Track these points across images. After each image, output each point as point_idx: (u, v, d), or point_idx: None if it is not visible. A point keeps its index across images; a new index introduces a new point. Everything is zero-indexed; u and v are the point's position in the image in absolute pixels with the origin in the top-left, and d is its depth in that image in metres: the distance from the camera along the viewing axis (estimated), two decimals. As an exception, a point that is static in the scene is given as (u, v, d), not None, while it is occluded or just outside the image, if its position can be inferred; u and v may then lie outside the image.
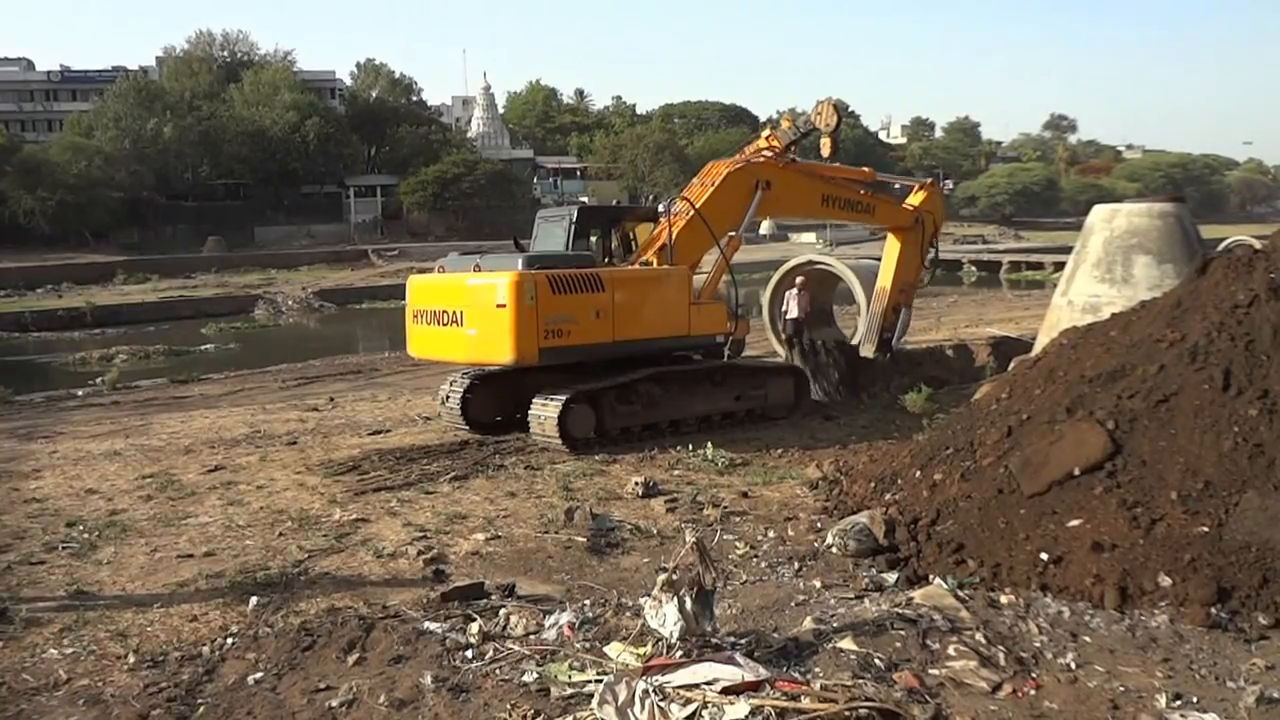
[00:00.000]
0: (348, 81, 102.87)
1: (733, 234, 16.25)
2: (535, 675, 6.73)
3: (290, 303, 51.32)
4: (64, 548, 10.28)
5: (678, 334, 15.26)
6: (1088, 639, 7.11)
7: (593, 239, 16.30)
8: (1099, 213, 16.22)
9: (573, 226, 15.91)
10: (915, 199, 19.56)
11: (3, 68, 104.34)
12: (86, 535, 10.68)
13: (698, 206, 15.77)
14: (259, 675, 7.09)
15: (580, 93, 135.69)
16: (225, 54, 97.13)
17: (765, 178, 16.58)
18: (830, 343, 19.51)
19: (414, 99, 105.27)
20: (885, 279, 19.13)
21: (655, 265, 15.45)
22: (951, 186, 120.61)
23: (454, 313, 14.45)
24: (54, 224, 69.37)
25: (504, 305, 13.63)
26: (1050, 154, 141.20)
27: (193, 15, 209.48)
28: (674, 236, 15.41)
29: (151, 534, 10.74)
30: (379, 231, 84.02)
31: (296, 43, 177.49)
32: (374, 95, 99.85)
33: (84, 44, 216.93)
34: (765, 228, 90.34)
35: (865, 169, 19.29)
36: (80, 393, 23.25)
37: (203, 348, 36.72)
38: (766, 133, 19.10)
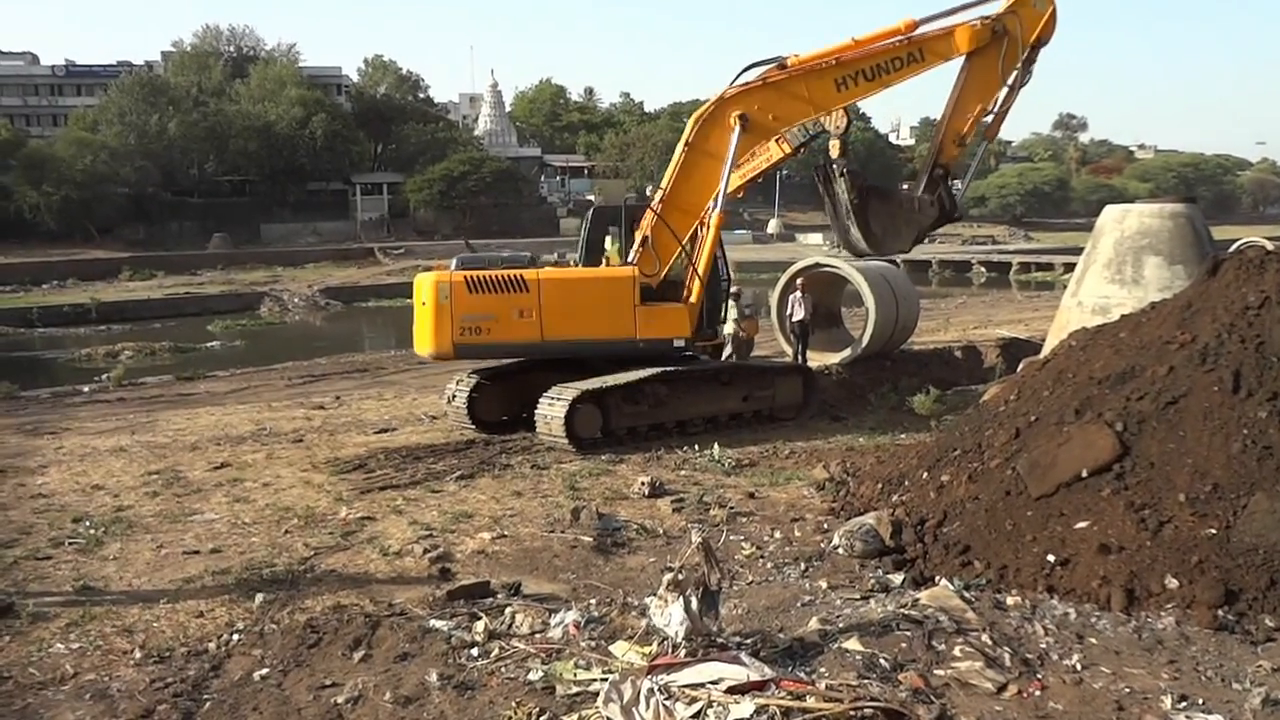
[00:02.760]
0: (354, 78, 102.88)
1: (715, 208, 15.14)
2: (540, 674, 6.73)
3: (296, 300, 51.30)
4: (70, 543, 10.30)
5: (623, 336, 14.99)
6: (1094, 641, 7.10)
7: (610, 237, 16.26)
8: (1110, 213, 16.18)
9: (588, 225, 16.28)
10: (999, 6, 15.23)
11: (7, 62, 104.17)
12: (93, 531, 10.69)
13: (667, 191, 15.26)
14: (265, 671, 7.10)
15: (589, 91, 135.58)
16: (231, 49, 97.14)
17: (737, 112, 14.91)
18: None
19: (421, 96, 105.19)
20: (949, 107, 15.48)
21: (638, 260, 15.29)
22: (961, 188, 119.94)
23: (414, 308, 15.58)
24: (59, 219, 69.34)
25: (425, 303, 14.90)
26: (1062, 154, 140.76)
27: (199, 10, 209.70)
28: (652, 229, 15.23)
29: (158, 530, 10.76)
30: (385, 229, 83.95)
31: (303, 38, 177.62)
32: (381, 92, 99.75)
33: (90, 39, 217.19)
34: (773, 226, 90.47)
35: (905, 21, 15.19)
36: (86, 389, 23.28)
37: (208, 345, 36.74)
38: (776, 135, 19.02)
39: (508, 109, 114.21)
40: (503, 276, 14.92)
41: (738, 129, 14.85)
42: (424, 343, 15.15)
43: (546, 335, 14.87)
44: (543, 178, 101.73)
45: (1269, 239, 23.25)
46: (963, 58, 15.16)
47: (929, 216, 15.68)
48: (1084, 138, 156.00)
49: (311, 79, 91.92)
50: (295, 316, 48.57)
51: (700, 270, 15.32)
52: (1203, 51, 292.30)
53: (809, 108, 15.28)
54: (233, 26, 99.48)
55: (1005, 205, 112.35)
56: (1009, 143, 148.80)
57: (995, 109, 15.22)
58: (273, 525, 10.82)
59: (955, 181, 16.05)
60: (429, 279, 15.09)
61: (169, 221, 78.41)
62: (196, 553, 9.92)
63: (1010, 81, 15.12)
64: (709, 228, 15.20)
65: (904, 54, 15.03)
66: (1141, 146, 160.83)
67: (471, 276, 14.92)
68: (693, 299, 15.34)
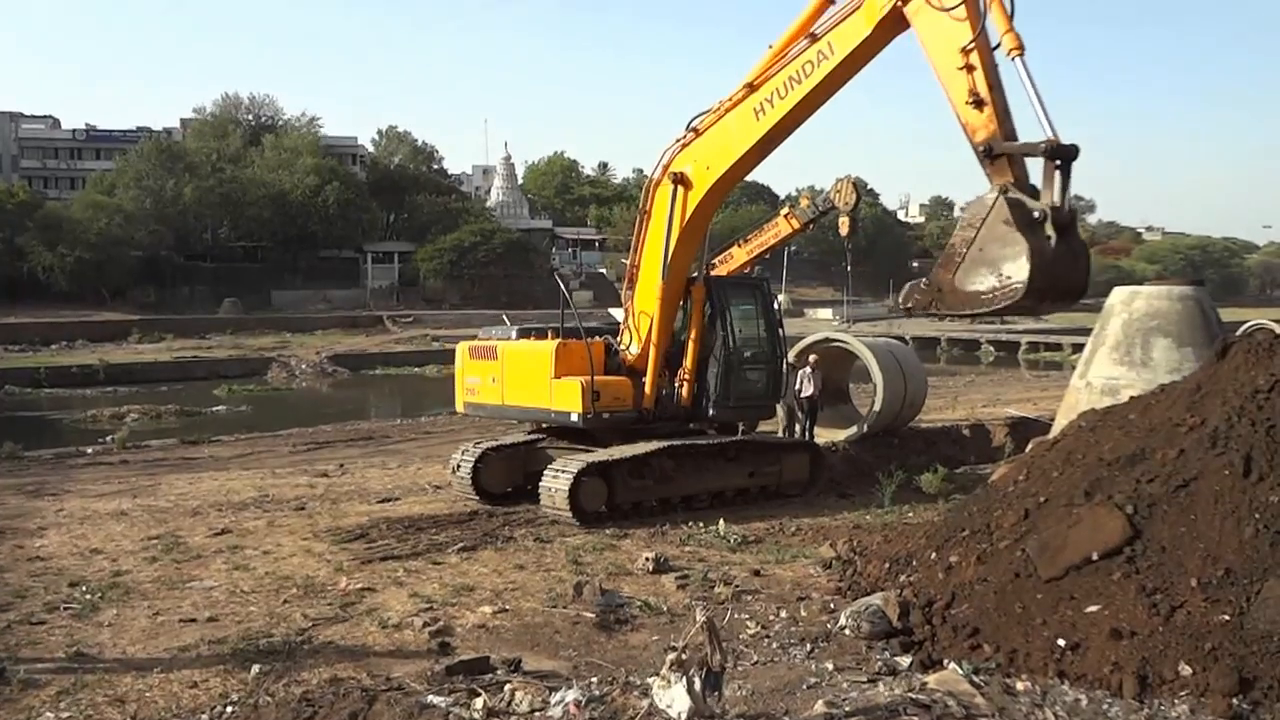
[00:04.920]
0: (370, 148, 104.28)
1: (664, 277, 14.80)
2: (539, 754, 6.58)
3: (304, 366, 51.52)
4: (65, 608, 10.19)
5: (543, 405, 15.28)
6: (1106, 730, 6.94)
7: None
8: (1118, 295, 16.22)
9: None
10: None
11: (29, 125, 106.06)
12: (89, 596, 10.58)
13: (634, 263, 15.47)
14: (257, 746, 6.95)
15: (604, 165, 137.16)
16: (250, 117, 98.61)
17: (674, 172, 14.53)
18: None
19: (435, 167, 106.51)
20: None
21: (621, 334, 15.66)
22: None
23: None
24: (72, 281, 69.99)
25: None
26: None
27: (220, 79, 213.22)
28: (631, 305, 15.48)
29: (155, 596, 10.65)
30: (395, 298, 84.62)
31: (321, 107, 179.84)
32: (395, 162, 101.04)
33: (111, 104, 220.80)
34: (781, 301, 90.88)
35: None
36: (90, 450, 23.26)
37: (214, 409, 36.79)
38: (785, 210, 19.03)
39: (519, 181, 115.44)
40: (485, 346, 16.40)
41: (673, 188, 14.53)
42: (456, 400, 17.16)
43: (506, 400, 15.89)
44: (554, 250, 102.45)
45: (1277, 322, 23.22)
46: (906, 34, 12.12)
47: (986, 211, 10.55)
48: (1092, 219, 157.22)
49: (327, 148, 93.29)
50: (302, 383, 48.73)
51: (654, 344, 15.08)
52: (1210, 135, 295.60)
53: (734, 147, 14.00)
54: (253, 95, 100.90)
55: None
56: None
57: (983, 33, 11.09)
58: (271, 594, 10.70)
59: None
60: (461, 346, 17.11)
61: (181, 285, 79.11)
62: (193, 621, 9.79)
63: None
64: (660, 301, 14.92)
65: (814, 55, 12.82)
66: (1149, 228, 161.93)
67: (473, 345, 16.67)
68: (647, 374, 15.17)
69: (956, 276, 10.70)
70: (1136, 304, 15.60)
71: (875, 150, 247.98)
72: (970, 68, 11.06)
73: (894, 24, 12.11)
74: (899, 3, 11.76)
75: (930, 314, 11.50)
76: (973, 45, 11.02)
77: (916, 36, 11.82)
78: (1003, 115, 10.99)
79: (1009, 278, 10.27)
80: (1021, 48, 10.77)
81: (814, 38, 12.87)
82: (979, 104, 11.02)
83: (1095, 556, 8.46)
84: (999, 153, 10.77)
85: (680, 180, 14.50)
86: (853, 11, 12.48)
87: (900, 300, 11.73)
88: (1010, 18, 10.95)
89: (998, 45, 10.94)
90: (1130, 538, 8.45)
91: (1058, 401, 18.73)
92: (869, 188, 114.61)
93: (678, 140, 14.60)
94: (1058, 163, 10.43)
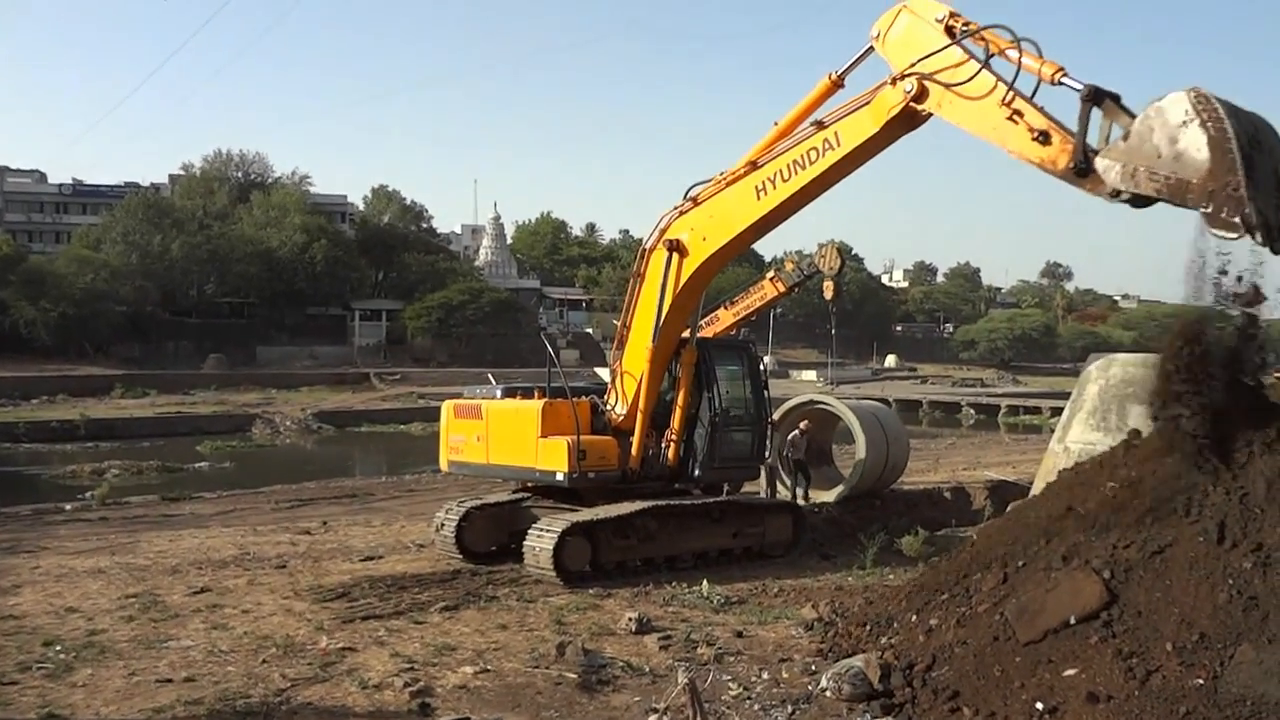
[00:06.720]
0: (360, 206, 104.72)
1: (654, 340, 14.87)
2: (517, 816, 6.55)
3: (288, 423, 51.33)
4: (38, 668, 10.08)
5: (528, 465, 15.34)
6: (1084, 795, 6.95)
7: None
8: (1095, 362, 16.38)
9: None
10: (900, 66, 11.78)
11: (15, 179, 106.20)
12: (63, 655, 10.47)
13: (625, 325, 15.55)
14: (233, 808, 6.90)
15: (591, 227, 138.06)
16: (240, 174, 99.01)
17: (670, 239, 14.65)
18: None
19: (424, 226, 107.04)
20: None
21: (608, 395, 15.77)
22: (951, 330, 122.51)
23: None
24: (56, 336, 69.44)
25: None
26: (1048, 301, 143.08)
27: (210, 135, 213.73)
28: (617, 365, 15.66)
29: (131, 656, 10.54)
30: (382, 355, 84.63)
31: (312, 165, 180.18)
32: (385, 220, 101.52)
33: (98, 160, 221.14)
34: (767, 362, 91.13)
35: (826, 78, 13.17)
36: (68, 507, 23.07)
37: (197, 465, 36.61)
38: (770, 274, 19.17)
39: (508, 241, 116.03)
40: (470, 405, 16.59)
41: (668, 255, 14.60)
42: (440, 458, 17.17)
43: (491, 459, 15.95)
44: (541, 309, 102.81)
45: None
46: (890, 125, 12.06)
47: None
48: (1070, 286, 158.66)
49: (316, 206, 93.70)
50: (286, 439, 48.53)
51: (641, 405, 15.19)
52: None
53: (733, 222, 13.97)
54: (243, 152, 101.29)
55: (994, 349, 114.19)
56: (999, 289, 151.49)
57: (1016, 82, 10.72)
58: (250, 654, 10.62)
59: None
60: (446, 404, 17.15)
61: (166, 341, 78.85)
62: (169, 681, 9.70)
63: (968, 82, 11.04)
64: (649, 363, 15.00)
65: (819, 143, 12.72)
66: (1125, 296, 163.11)
67: (458, 404, 16.82)
68: (634, 435, 15.24)
69: (1202, 167, 8.96)
70: (1113, 371, 15.75)
71: (860, 215, 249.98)
72: (1018, 114, 10.63)
73: (906, 121, 11.97)
74: (911, 103, 11.56)
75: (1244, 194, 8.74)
76: (1012, 95, 10.64)
77: (945, 120, 11.50)
78: (1069, 132, 10.40)
79: (1188, 110, 9.03)
80: (1062, 68, 10.43)
81: (820, 125, 12.75)
82: (1044, 138, 10.47)
83: (1073, 620, 8.54)
84: (1086, 156, 10.05)
85: (676, 248, 14.59)
86: (860, 106, 12.31)
87: (1234, 223, 8.89)
88: (1040, 55, 10.64)
89: (1036, 88, 10.59)
90: (1107, 602, 8.53)
91: (1036, 465, 18.83)
92: (853, 252, 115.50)
93: (676, 207, 14.67)
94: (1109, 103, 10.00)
